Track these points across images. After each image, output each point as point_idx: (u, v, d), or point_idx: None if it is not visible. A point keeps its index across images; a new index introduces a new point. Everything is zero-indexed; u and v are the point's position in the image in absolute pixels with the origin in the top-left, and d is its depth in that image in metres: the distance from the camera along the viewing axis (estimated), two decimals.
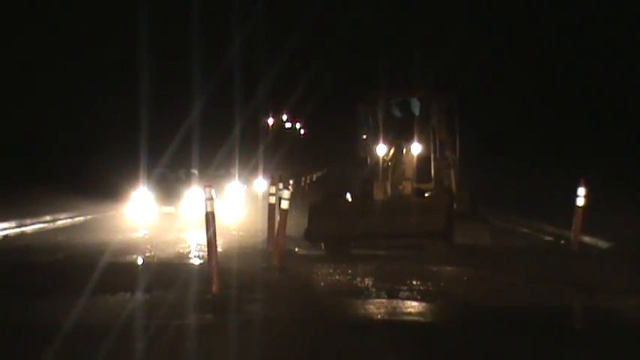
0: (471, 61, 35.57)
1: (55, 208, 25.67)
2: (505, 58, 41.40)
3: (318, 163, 76.30)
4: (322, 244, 17.43)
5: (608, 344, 9.18)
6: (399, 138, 19.38)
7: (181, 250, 17.62)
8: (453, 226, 17.40)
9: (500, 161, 37.37)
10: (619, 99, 36.15)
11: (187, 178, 26.32)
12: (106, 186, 29.75)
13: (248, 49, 47.56)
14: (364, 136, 20.45)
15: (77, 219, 25.87)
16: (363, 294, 12.10)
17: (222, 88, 45.04)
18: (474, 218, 19.26)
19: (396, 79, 20.29)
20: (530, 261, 15.97)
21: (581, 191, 17.06)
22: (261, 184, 36.11)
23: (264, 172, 38.55)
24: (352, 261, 15.44)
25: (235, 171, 31.46)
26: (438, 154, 19.72)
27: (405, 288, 12.48)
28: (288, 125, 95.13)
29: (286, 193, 15.17)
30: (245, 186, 33.11)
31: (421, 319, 10.62)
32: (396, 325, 10.09)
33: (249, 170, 36.61)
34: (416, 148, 19.34)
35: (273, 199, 17.36)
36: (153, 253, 17.03)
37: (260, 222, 20.17)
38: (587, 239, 17.81)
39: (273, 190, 17.69)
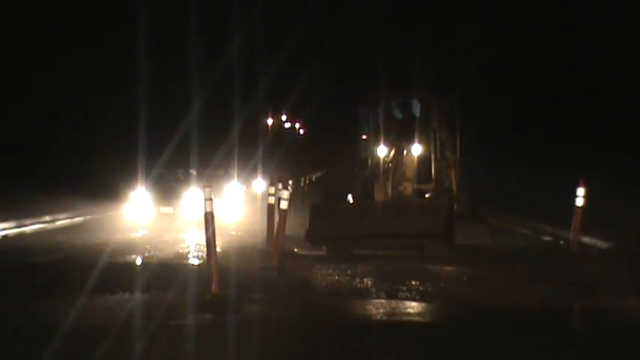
0: (471, 62, 35.58)
1: (54, 209, 25.67)
2: (505, 58, 41.39)
3: (317, 164, 76.25)
4: (323, 245, 17.44)
5: (608, 344, 9.17)
6: (399, 139, 19.41)
7: (180, 251, 17.61)
8: (454, 226, 17.43)
9: (501, 161, 37.34)
10: (618, 99, 36.14)
11: (186, 179, 26.27)
12: (105, 186, 29.73)
13: (247, 49, 47.54)
14: (364, 137, 20.49)
15: (76, 219, 25.87)
16: (363, 294, 12.10)
17: (222, 88, 45.01)
18: (474, 219, 19.28)
19: (397, 80, 20.33)
20: (529, 261, 15.97)
21: (581, 191, 17.06)
22: (260, 184, 36.07)
23: (263, 172, 38.49)
24: (352, 261, 15.44)
25: (234, 171, 31.40)
26: (438, 154, 19.76)
27: (405, 288, 12.47)
28: (287, 125, 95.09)
29: (285, 194, 15.18)
30: (244, 186, 33.05)
31: (421, 319, 10.62)
32: (396, 326, 10.08)
33: (248, 170, 36.54)
34: (416, 149, 19.38)
35: (272, 200, 17.37)
36: (152, 254, 17.03)
37: (259, 222, 20.16)
38: (586, 239, 17.80)
39: (272, 190, 17.69)
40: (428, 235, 16.83)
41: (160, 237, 20.30)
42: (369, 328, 9.92)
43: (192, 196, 23.87)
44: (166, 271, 14.03)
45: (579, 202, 17.07)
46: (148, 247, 18.25)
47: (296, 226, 18.44)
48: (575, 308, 11.63)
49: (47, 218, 24.45)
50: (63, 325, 9.52)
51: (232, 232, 21.35)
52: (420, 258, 15.84)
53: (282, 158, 52.29)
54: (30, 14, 40.76)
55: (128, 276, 13.63)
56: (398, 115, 20.23)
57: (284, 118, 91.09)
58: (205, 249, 12.28)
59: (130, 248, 17.85)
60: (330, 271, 14.21)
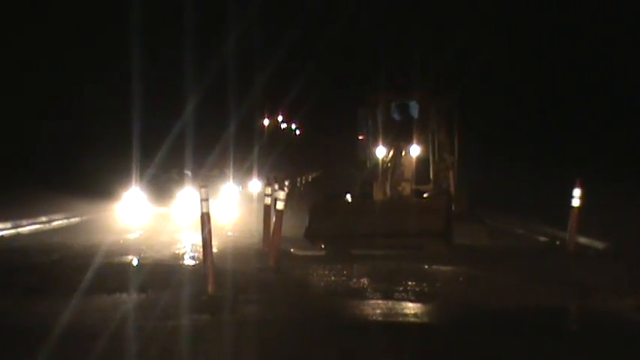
0: (470, 63, 35.60)
1: (50, 209, 25.62)
2: (504, 59, 41.40)
3: (313, 164, 76.29)
4: (322, 244, 17.48)
5: (606, 345, 9.17)
6: (398, 140, 19.47)
7: (176, 251, 17.59)
8: (452, 226, 17.51)
9: (498, 162, 37.40)
10: (617, 99, 36.17)
11: (180, 179, 26.23)
12: (100, 186, 29.68)
13: (244, 49, 47.52)
14: (360, 137, 20.56)
15: (73, 220, 25.81)
16: (360, 295, 12.08)
17: (217, 88, 45.00)
18: (472, 219, 19.37)
19: (396, 81, 20.40)
20: (526, 262, 16.00)
21: (577, 192, 17.08)
22: (255, 185, 36.06)
23: (259, 173, 38.48)
24: (349, 261, 15.45)
25: (230, 172, 31.39)
26: (436, 156, 19.83)
27: (402, 289, 12.47)
28: (283, 126, 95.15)
29: (282, 194, 15.17)
30: (240, 187, 33.04)
31: (418, 320, 10.60)
32: (393, 326, 10.08)
33: (243, 171, 36.53)
34: (415, 150, 19.45)
35: (268, 200, 17.38)
36: (148, 254, 16.99)
37: (255, 223, 20.16)
38: (583, 240, 17.81)
39: (268, 190, 17.69)
40: (427, 234, 16.94)
41: (156, 237, 20.28)
42: (366, 329, 9.90)
43: (186, 196, 23.85)
44: (162, 272, 14.01)
45: (575, 202, 17.09)
46: (143, 247, 18.23)
47: (292, 227, 18.44)
48: (572, 309, 11.63)
49: (43, 219, 24.40)
50: (59, 326, 9.51)
51: (228, 233, 21.33)
52: (419, 258, 15.86)
53: (278, 159, 52.28)
54: (22, 13, 40.70)
55: (124, 277, 13.61)
56: (396, 116, 20.29)
57: (280, 118, 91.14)
58: (201, 250, 12.26)
59: (125, 249, 17.82)
60: (327, 272, 14.21)
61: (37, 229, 22.83)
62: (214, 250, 12.46)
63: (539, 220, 21.79)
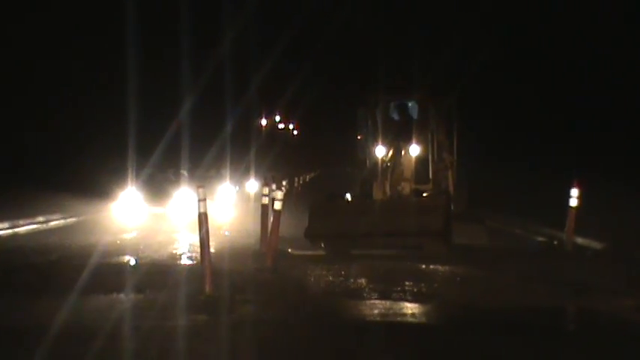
0: (470, 63, 35.60)
1: (47, 209, 25.58)
2: (503, 59, 41.38)
3: (311, 164, 76.27)
4: (322, 244, 17.51)
5: (604, 345, 9.17)
6: (397, 140, 19.53)
7: (174, 251, 17.58)
8: (451, 226, 17.58)
9: (497, 162, 37.39)
10: (616, 100, 36.13)
11: (176, 179, 26.19)
12: (98, 186, 29.64)
13: (240, 50, 47.48)
14: (358, 137, 20.60)
15: (70, 220, 25.79)
16: (357, 295, 12.08)
17: (214, 88, 44.95)
18: (471, 219, 19.41)
19: (395, 81, 20.46)
20: (523, 262, 16.00)
21: (574, 192, 17.08)
22: (252, 185, 36.05)
23: (256, 173, 38.46)
24: (346, 261, 15.46)
25: (227, 172, 31.35)
26: (435, 155, 19.88)
27: (399, 289, 12.46)
28: (281, 126, 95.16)
29: (279, 194, 15.16)
30: (237, 187, 33.03)
31: (416, 320, 10.60)
32: (390, 326, 10.07)
33: (240, 171, 36.49)
34: (414, 150, 19.50)
35: (266, 200, 17.36)
36: (145, 254, 16.99)
37: (252, 223, 20.14)
38: (580, 240, 17.83)
39: (266, 191, 17.68)
40: (426, 234, 17.01)
41: (153, 238, 20.27)
42: (363, 329, 9.89)
43: (183, 196, 23.82)
44: (160, 272, 14.01)
45: (573, 202, 17.10)
46: (141, 247, 18.23)
47: (290, 227, 18.43)
48: (569, 309, 11.62)
49: (41, 219, 24.38)
50: (56, 326, 9.50)
51: (225, 233, 21.33)
52: (418, 257, 15.89)
53: (276, 159, 52.24)
54: (17, 12, 40.63)
55: (122, 277, 13.62)
56: (396, 116, 20.33)
57: (278, 118, 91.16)
58: (198, 250, 12.25)
59: (123, 249, 17.82)
60: (324, 272, 14.21)
61: (34, 229, 22.82)
62: (212, 250, 12.45)
63: (537, 220, 21.80)
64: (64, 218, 25.75)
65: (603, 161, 30.16)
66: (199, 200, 11.89)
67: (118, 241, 19.57)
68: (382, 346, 9.12)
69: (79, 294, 11.66)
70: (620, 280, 13.53)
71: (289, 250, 17.08)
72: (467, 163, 21.14)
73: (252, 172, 38.29)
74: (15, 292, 12.32)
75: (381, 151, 19.72)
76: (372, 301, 11.55)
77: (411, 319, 10.57)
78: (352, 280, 13.39)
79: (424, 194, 19.03)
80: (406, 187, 19.31)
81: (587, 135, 35.31)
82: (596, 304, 11.56)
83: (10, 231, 21.81)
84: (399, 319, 10.59)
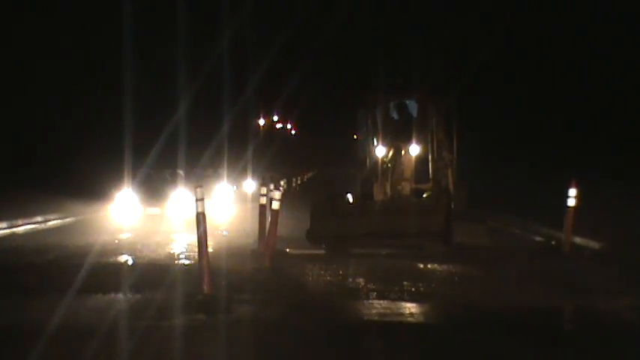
0: (469, 62, 35.60)
1: (45, 209, 25.58)
2: (503, 59, 41.39)
3: (309, 164, 76.30)
4: (323, 244, 17.55)
5: (602, 344, 9.18)
6: (397, 139, 19.58)
7: (171, 251, 17.58)
8: (452, 225, 17.68)
9: (497, 162, 37.43)
10: (616, 100, 36.17)
11: (173, 179, 26.12)
12: (95, 187, 29.64)
13: (238, 50, 47.47)
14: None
15: (68, 220, 25.78)
16: (355, 294, 12.09)
17: (211, 88, 44.96)
18: (471, 218, 19.45)
19: (395, 81, 20.49)
20: (521, 262, 16.00)
21: (572, 192, 17.09)
22: (250, 185, 36.05)
23: (254, 173, 38.47)
24: (345, 261, 15.46)
25: (224, 172, 31.32)
26: (435, 155, 19.92)
27: (398, 288, 12.47)
28: (279, 126, 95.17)
29: (277, 194, 15.17)
30: (234, 187, 33.00)
31: (414, 319, 10.60)
32: (389, 326, 10.07)
33: (238, 171, 36.48)
34: (414, 150, 19.56)
35: (264, 200, 17.37)
36: (143, 254, 16.99)
37: (250, 223, 20.15)
38: (578, 240, 17.82)
39: (264, 190, 17.69)
40: (427, 234, 17.20)
41: (150, 237, 20.26)
42: (361, 329, 9.90)
43: (179, 196, 23.79)
44: (158, 272, 14.00)
45: (571, 202, 17.09)
46: (138, 247, 18.22)
47: (288, 227, 18.43)
48: (567, 309, 11.63)
49: (39, 219, 24.38)
50: (54, 325, 9.51)
51: (223, 233, 21.32)
52: (418, 257, 15.92)
53: (273, 159, 52.27)
54: (14, 13, 40.61)
55: (120, 276, 13.62)
56: (395, 115, 20.36)
57: (275, 118, 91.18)
58: (196, 249, 12.25)
59: (120, 249, 17.81)
60: (323, 272, 14.22)
61: (32, 229, 22.81)
62: (209, 249, 12.44)
63: (536, 220, 21.80)
64: (62, 218, 25.74)
65: (602, 161, 30.18)
66: (197, 200, 11.88)
67: (116, 241, 19.56)
68: (380, 346, 9.13)
69: (77, 293, 11.67)
70: (618, 279, 13.55)
71: (287, 249, 17.08)
72: (466, 162, 21.18)
73: (250, 172, 38.29)
74: (13, 291, 12.31)
75: (381, 151, 19.77)
76: (371, 301, 11.56)
77: (409, 319, 10.57)
78: (350, 280, 13.41)
79: (424, 194, 19.10)
80: (406, 187, 19.39)
81: (587, 135, 35.34)
82: (594, 304, 11.56)
83: (8, 231, 21.80)
84: (397, 319, 10.59)
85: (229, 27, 42.90)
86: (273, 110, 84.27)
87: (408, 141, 19.59)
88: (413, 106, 20.28)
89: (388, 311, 10.93)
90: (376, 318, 10.55)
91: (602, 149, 33.03)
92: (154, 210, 24.34)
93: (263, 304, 11.29)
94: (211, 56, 42.71)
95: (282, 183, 23.83)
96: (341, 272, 14.17)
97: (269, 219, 15.45)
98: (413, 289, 12.44)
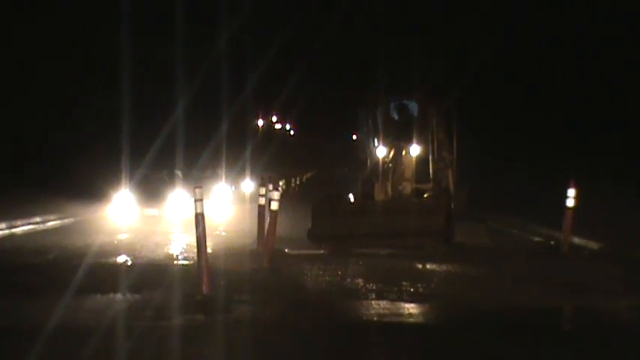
0: (470, 63, 35.62)
1: (44, 210, 25.56)
2: (503, 59, 41.40)
3: (308, 164, 76.32)
4: (325, 244, 17.59)
5: (601, 344, 9.18)
6: (398, 140, 19.67)
7: (170, 252, 17.57)
8: (453, 225, 17.77)
9: (497, 162, 37.45)
10: (615, 100, 36.16)
11: (171, 180, 26.07)
12: (94, 187, 29.62)
13: (236, 50, 47.46)
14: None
15: (66, 220, 25.76)
16: (354, 295, 12.08)
17: (209, 88, 44.91)
18: (471, 219, 19.55)
19: (395, 82, 20.58)
20: (521, 262, 16.03)
21: (571, 192, 17.09)
22: (248, 185, 36.03)
23: (252, 173, 38.45)
24: (344, 261, 15.47)
25: (222, 172, 31.31)
26: (435, 155, 19.97)
27: (397, 289, 12.47)
28: (278, 126, 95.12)
29: (276, 195, 15.16)
30: (233, 187, 32.99)
31: (414, 319, 10.59)
32: (388, 326, 10.07)
33: (236, 171, 36.46)
34: (415, 150, 19.64)
35: (262, 200, 17.36)
36: (142, 255, 16.98)
37: (248, 223, 20.15)
38: (577, 240, 17.83)
39: (263, 191, 17.68)
40: (428, 233, 17.31)
41: (149, 238, 20.24)
42: (361, 329, 9.90)
43: (177, 197, 23.76)
44: (157, 272, 13.98)
45: (570, 202, 17.10)
46: (137, 248, 18.20)
47: (286, 227, 18.43)
48: (566, 309, 11.63)
49: (38, 219, 24.36)
50: (54, 326, 9.50)
51: (222, 234, 21.31)
52: (418, 257, 15.94)
53: (272, 159, 52.24)
54: (14, 13, 40.59)
55: (119, 277, 13.62)
56: (396, 116, 20.42)
57: (274, 119, 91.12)
58: (194, 250, 12.24)
59: (119, 249, 17.79)
60: (321, 272, 14.22)
61: (31, 230, 22.80)
62: (208, 250, 12.43)
63: (534, 220, 21.82)
64: (61, 219, 25.71)
65: (602, 161, 30.19)
66: (196, 200, 11.87)
67: (115, 242, 19.55)
68: (379, 346, 9.12)
69: (76, 294, 11.66)
70: (617, 280, 13.55)
71: (286, 249, 17.07)
72: (466, 163, 21.23)
73: (248, 172, 38.27)
74: (13, 291, 12.30)
75: (382, 152, 19.83)
76: (369, 301, 11.55)
77: (409, 319, 10.57)
78: (349, 280, 13.40)
79: (425, 194, 19.16)
80: (407, 187, 19.50)
81: (586, 135, 35.34)
82: (594, 304, 11.57)
83: (7, 231, 21.79)
84: (396, 319, 10.58)
85: (228, 27, 42.87)
86: (272, 111, 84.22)
87: (409, 141, 19.68)
88: (413, 107, 20.36)
89: (387, 311, 10.93)
90: (375, 318, 10.55)
91: (602, 149, 33.02)
92: (151, 211, 24.30)
93: (262, 305, 11.29)
94: (210, 57, 42.68)
95: (280, 183, 23.79)
96: (340, 272, 14.17)
97: (268, 219, 15.45)
98: (411, 290, 12.43)
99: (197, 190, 11.99)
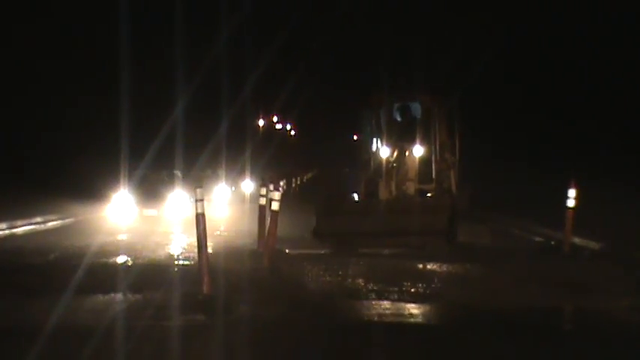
0: (472, 64, 35.65)
1: (44, 210, 25.57)
2: (504, 60, 41.43)
3: (308, 164, 76.30)
4: (330, 243, 17.65)
5: (602, 345, 9.17)
6: (401, 140, 19.77)
7: (170, 252, 17.58)
8: (456, 225, 17.89)
9: (498, 162, 37.47)
10: (615, 101, 36.19)
11: (170, 180, 26.03)
12: (94, 187, 29.61)
13: (236, 50, 47.41)
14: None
15: (67, 221, 25.77)
16: (355, 294, 12.08)
17: (209, 88, 44.88)
18: (472, 219, 19.62)
19: (398, 83, 20.65)
20: (522, 262, 16.02)
21: (572, 192, 17.09)
22: (248, 185, 36.02)
23: (252, 173, 38.44)
24: (345, 261, 15.46)
25: (222, 172, 31.29)
26: (438, 155, 20.02)
27: (398, 289, 12.46)
28: (278, 127, 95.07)
29: (277, 195, 15.16)
30: (232, 187, 32.99)
31: (415, 319, 10.59)
32: (387, 326, 10.07)
33: (236, 172, 36.45)
34: (418, 151, 19.72)
35: (263, 200, 17.35)
36: (142, 255, 16.98)
37: (248, 223, 20.14)
38: (578, 240, 17.83)
39: (263, 191, 17.67)
40: (431, 232, 17.46)
41: (149, 238, 20.25)
42: (361, 329, 9.90)
43: (176, 197, 23.74)
44: (157, 272, 13.99)
45: (570, 203, 17.10)
46: (138, 248, 18.21)
47: (287, 227, 18.42)
48: (567, 309, 11.63)
49: (38, 219, 24.37)
50: (55, 325, 9.50)
51: (224, 233, 21.31)
52: (418, 257, 15.97)
53: (273, 159, 52.23)
54: (15, 13, 40.59)
55: (119, 277, 13.61)
56: (399, 117, 20.49)
57: (275, 119, 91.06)
58: (195, 250, 12.24)
59: (120, 249, 17.80)
60: (322, 272, 14.21)
61: (32, 230, 22.81)
62: (209, 250, 12.44)
63: (535, 221, 21.83)
64: (62, 219, 25.72)
65: (602, 161, 30.21)
66: (197, 200, 11.87)
67: (115, 242, 19.57)
68: (380, 346, 9.12)
69: (76, 294, 11.66)
70: (617, 280, 13.54)
71: (286, 249, 17.07)
72: (468, 163, 21.28)
73: (248, 172, 38.25)
74: (13, 291, 12.30)
75: (385, 152, 19.91)
76: (370, 301, 11.55)
77: (410, 319, 10.57)
78: (350, 280, 13.40)
79: (428, 194, 19.27)
80: (410, 187, 19.65)
81: (586, 135, 35.35)
82: (594, 304, 11.56)
83: (7, 231, 21.80)
84: (397, 319, 10.58)
85: (228, 27, 42.84)
86: (273, 111, 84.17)
87: (412, 142, 19.78)
88: (415, 108, 20.43)
89: (388, 312, 10.92)
90: (376, 318, 10.55)
91: (602, 149, 33.04)
92: (151, 211, 24.30)
93: (262, 304, 11.28)
94: (210, 57, 42.65)
95: (281, 183, 23.79)
96: (341, 272, 14.16)
97: (268, 220, 15.44)
98: (413, 290, 12.43)
99: (198, 190, 11.99)
